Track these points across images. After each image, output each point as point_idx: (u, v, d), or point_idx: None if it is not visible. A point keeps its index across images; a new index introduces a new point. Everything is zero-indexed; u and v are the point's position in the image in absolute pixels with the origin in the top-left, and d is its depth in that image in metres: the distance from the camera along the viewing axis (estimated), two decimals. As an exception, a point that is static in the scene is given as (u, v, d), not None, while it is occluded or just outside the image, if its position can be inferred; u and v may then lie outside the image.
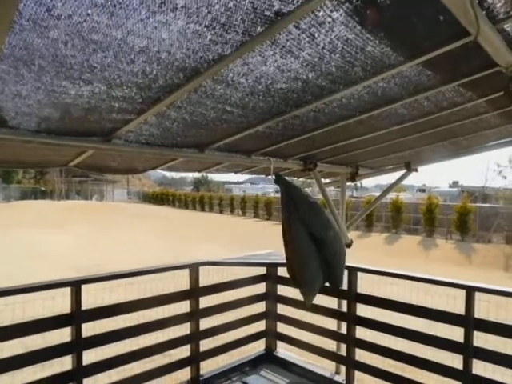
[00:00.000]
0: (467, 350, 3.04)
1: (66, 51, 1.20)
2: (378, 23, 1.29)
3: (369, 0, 1.13)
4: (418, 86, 1.96)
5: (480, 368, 3.09)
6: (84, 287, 2.95)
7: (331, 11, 1.16)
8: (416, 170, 3.97)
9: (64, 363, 2.94)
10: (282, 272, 4.38)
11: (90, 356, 3.00)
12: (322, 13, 1.16)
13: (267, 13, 1.12)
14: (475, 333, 3.05)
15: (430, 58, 1.57)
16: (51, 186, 48.46)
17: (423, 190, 39.63)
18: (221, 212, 37.08)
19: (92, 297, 3.78)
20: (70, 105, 1.63)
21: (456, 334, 3.13)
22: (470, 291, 3.07)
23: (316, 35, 1.28)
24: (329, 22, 1.22)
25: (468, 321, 3.05)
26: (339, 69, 1.57)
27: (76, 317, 2.88)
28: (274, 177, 2.63)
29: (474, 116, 2.61)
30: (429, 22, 1.33)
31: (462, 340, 3.08)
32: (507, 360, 2.92)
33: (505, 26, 1.41)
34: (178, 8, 1.03)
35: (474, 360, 3.05)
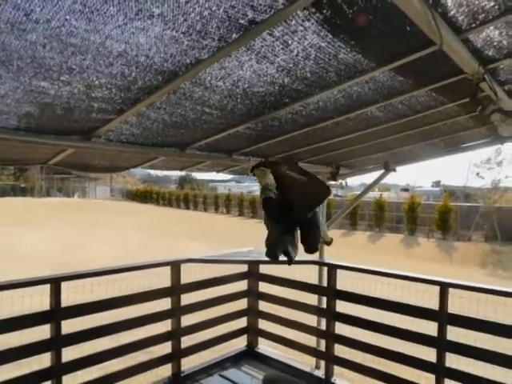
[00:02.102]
0: (441, 344, 3.16)
1: (44, 53, 1.22)
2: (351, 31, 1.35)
3: (338, 11, 1.19)
4: (392, 91, 2.03)
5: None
6: (63, 285, 2.95)
7: (303, 21, 1.21)
8: (394, 170, 4.07)
9: (42, 361, 2.94)
10: (264, 269, 4.46)
11: (68, 353, 3.01)
12: (294, 22, 1.21)
13: (241, 21, 1.17)
14: (448, 327, 3.17)
15: (401, 65, 1.65)
16: (31, 182, 47.52)
17: (407, 190, 40.27)
18: (205, 210, 37.00)
19: (72, 295, 3.77)
20: (50, 104, 1.64)
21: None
22: (444, 287, 3.19)
23: (289, 42, 1.34)
24: (301, 31, 1.27)
25: (442, 315, 3.17)
26: (314, 74, 1.63)
27: (55, 314, 2.89)
28: (250, 173, 2.69)
29: (447, 119, 2.71)
30: (396, 32, 1.40)
31: (435, 334, 3.19)
32: (478, 353, 3.05)
33: (469, 37, 1.49)
34: (154, 16, 1.07)
35: (448, 353, 3.17)
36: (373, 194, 23.95)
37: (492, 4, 1.26)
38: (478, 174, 21.89)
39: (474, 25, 1.40)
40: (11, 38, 1.10)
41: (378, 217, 23.29)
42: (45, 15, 1.01)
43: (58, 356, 2.89)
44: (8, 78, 1.35)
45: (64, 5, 0.98)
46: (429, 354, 3.25)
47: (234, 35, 1.25)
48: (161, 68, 1.43)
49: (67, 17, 1.03)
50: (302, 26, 1.24)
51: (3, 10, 0.97)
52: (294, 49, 1.38)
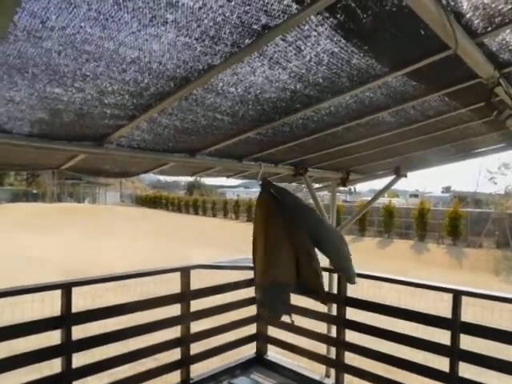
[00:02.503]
0: (454, 353, 3.10)
1: (59, 60, 1.23)
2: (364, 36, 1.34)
3: (352, 15, 1.18)
4: (404, 96, 2.01)
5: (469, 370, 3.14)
6: (74, 290, 2.96)
7: (316, 26, 1.20)
8: (405, 176, 4.03)
9: (53, 366, 2.95)
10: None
11: (79, 359, 3.01)
12: (307, 27, 1.21)
13: (254, 26, 1.16)
14: (462, 336, 3.11)
15: (414, 70, 1.63)
16: (43, 188, 48.11)
17: (416, 196, 39.94)
18: (214, 216, 37.04)
19: (82, 300, 3.78)
20: (63, 110, 1.66)
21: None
22: (457, 295, 3.13)
23: (302, 48, 1.33)
24: (314, 36, 1.26)
25: (455, 324, 3.11)
26: (326, 79, 1.62)
27: (66, 319, 2.89)
28: (259, 182, 2.68)
29: (459, 124, 2.68)
30: (410, 36, 1.38)
31: (448, 343, 3.13)
32: (492, 362, 2.98)
33: (484, 40, 1.47)
34: (168, 22, 1.08)
35: (461, 363, 3.11)
36: (382, 200, 23.77)
37: (509, 7, 1.24)
38: (491, 178, 21.54)
39: (489, 28, 1.38)
40: (27, 45, 1.12)
41: (387, 223, 23.08)
42: (60, 23, 1.02)
43: (68, 362, 2.88)
44: (23, 85, 1.37)
45: (79, 12, 0.99)
46: (440, 363, 3.19)
47: (247, 40, 1.24)
48: (173, 74, 1.43)
49: (82, 24, 1.04)
50: (315, 30, 1.23)
51: (20, 17, 0.98)
52: (307, 54, 1.38)
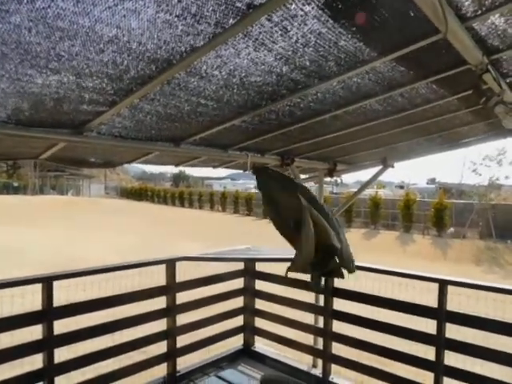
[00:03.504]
0: (439, 342, 3.13)
1: (30, 38, 1.15)
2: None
3: (340, -6, 1.13)
4: (392, 82, 1.98)
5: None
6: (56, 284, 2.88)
7: (303, 4, 1.15)
8: (392, 166, 4.03)
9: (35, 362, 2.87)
10: (261, 267, 4.41)
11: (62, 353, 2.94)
12: (293, 6, 1.15)
13: (239, 4, 1.10)
14: (447, 325, 3.14)
15: (403, 55, 1.59)
16: (24, 180, 47.12)
17: (402, 187, 40.43)
18: (200, 208, 36.91)
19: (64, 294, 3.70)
20: (38, 95, 1.57)
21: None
22: (442, 284, 3.16)
23: (289, 28, 1.28)
24: (301, 16, 1.21)
25: (440, 313, 3.14)
26: (313, 62, 1.58)
27: (47, 314, 2.81)
28: (250, 171, 2.62)
29: (446, 113, 2.67)
30: (400, 19, 1.34)
31: (434, 332, 3.16)
32: (477, 350, 3.02)
33: (473, 25, 1.44)
34: (146, -4, 1.01)
35: (446, 351, 3.14)
36: (368, 191, 23.99)
37: (500, -12, 1.21)
38: (474, 170, 21.90)
39: (479, 11, 1.35)
40: (-7, 20, 1.04)
41: (373, 214, 23.33)
42: (29, -6, 0.95)
43: (50, 357, 2.82)
44: (-8, 65, 1.28)
45: (49, -17, 0.91)
46: (427, 352, 3.22)
47: (231, 20, 1.19)
48: (154, 56, 1.36)
49: (53, -4, 0.97)
50: (301, 10, 1.18)
51: (-17, -13, 0.90)
52: (294, 35, 1.33)
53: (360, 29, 1.36)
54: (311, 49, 1.44)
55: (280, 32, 1.30)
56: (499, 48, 1.67)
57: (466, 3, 1.29)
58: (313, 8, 1.18)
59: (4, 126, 1.86)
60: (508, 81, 2.08)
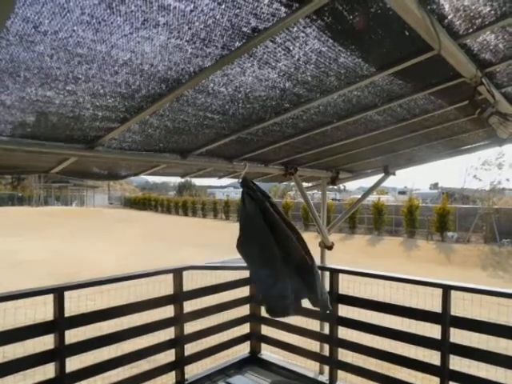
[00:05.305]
0: (444, 347, 3.16)
1: (51, 63, 1.24)
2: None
3: (339, 18, 1.21)
4: (391, 95, 2.06)
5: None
6: (67, 294, 2.95)
7: (304, 27, 1.24)
8: (394, 174, 4.10)
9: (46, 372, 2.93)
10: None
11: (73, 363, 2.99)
12: (295, 29, 1.24)
13: (244, 29, 1.19)
14: (452, 330, 3.17)
15: (400, 69, 1.67)
16: (29, 191, 47.39)
17: (404, 193, 40.37)
18: (204, 216, 36.96)
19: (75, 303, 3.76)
20: (54, 113, 1.66)
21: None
22: (447, 289, 3.19)
23: (291, 48, 1.36)
24: (302, 37, 1.30)
25: (445, 318, 3.17)
26: (314, 78, 1.66)
27: (59, 324, 2.87)
28: (240, 181, 2.69)
29: (446, 122, 2.74)
30: (395, 37, 1.42)
31: (439, 337, 3.19)
32: (481, 354, 3.05)
33: (466, 41, 1.52)
34: (160, 25, 1.10)
35: (452, 356, 3.17)
36: (371, 198, 24.02)
37: (488, 9, 1.29)
38: (475, 176, 21.87)
39: (471, 30, 1.43)
40: (19, 49, 1.12)
41: (376, 220, 23.32)
42: (53, 27, 1.03)
43: (62, 366, 2.87)
44: (15, 88, 1.37)
45: (72, 16, 1.00)
46: (432, 357, 3.25)
47: (237, 43, 1.27)
48: (164, 76, 1.45)
49: (75, 28, 1.05)
50: (303, 32, 1.27)
51: (13, 22, 0.99)
52: (296, 54, 1.41)
53: (358, 47, 1.44)
54: (312, 66, 1.52)
55: (283, 52, 1.38)
56: (492, 61, 1.74)
57: (458, 22, 1.37)
58: (313, 30, 1.27)
59: (20, 142, 1.95)
60: (503, 91, 2.16)
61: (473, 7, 1.27)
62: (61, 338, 2.88)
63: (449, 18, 1.32)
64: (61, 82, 1.37)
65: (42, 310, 3.51)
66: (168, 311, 3.65)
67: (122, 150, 2.33)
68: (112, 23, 1.05)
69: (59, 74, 1.32)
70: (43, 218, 30.10)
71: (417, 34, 1.31)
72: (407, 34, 1.36)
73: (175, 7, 1.03)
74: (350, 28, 1.30)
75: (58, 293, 2.89)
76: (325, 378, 3.90)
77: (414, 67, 1.65)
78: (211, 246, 17.66)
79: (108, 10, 1.00)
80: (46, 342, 2.93)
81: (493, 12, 1.33)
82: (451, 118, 2.68)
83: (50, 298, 2.89)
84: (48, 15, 0.97)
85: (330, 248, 4.18)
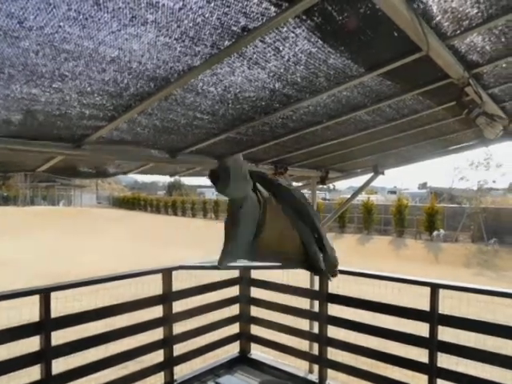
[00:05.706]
0: (432, 344, 3.19)
1: (36, 60, 1.21)
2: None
3: (328, 18, 1.21)
4: (380, 95, 2.07)
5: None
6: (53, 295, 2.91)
7: (294, 28, 1.23)
8: (383, 173, 4.13)
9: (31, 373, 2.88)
10: (255, 274, 4.45)
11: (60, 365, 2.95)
12: (285, 29, 1.24)
13: (234, 28, 1.18)
14: (440, 327, 3.21)
15: (389, 70, 1.68)
16: (15, 191, 46.62)
17: (394, 192, 40.80)
18: (193, 216, 36.81)
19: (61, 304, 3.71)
20: (40, 111, 1.63)
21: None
22: (434, 288, 3.23)
23: (281, 48, 1.36)
24: (292, 37, 1.29)
25: (433, 316, 3.20)
26: (304, 79, 1.66)
27: (45, 325, 2.83)
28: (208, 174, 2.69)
29: (434, 122, 2.77)
30: (384, 38, 1.43)
31: (427, 335, 3.23)
32: (468, 352, 3.09)
33: (453, 43, 1.54)
34: (148, 22, 1.08)
35: (439, 353, 3.21)
36: (360, 197, 24.21)
37: (475, 11, 1.30)
38: (461, 178, 22.19)
39: (458, 31, 1.45)
40: (3, 45, 1.10)
41: (366, 219, 23.51)
42: (38, 22, 1.01)
43: (48, 368, 2.82)
44: (-2, 85, 1.34)
45: (58, 12, 0.98)
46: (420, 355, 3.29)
47: (227, 42, 1.26)
48: (153, 74, 1.43)
49: (61, 23, 1.03)
50: (293, 32, 1.26)
51: (-4, 18, 0.96)
52: (285, 54, 1.41)
53: (348, 48, 1.45)
54: (302, 66, 1.52)
55: (273, 52, 1.38)
56: (479, 63, 1.77)
57: (445, 24, 1.39)
58: (303, 30, 1.27)
59: (5, 141, 1.91)
60: (489, 92, 2.19)
61: (460, 9, 1.28)
62: (47, 340, 2.83)
63: (437, 19, 1.33)
64: (47, 79, 1.34)
65: (27, 311, 3.45)
66: (157, 311, 3.62)
67: (110, 148, 2.30)
68: (99, 19, 1.04)
69: (45, 71, 1.29)
70: (29, 218, 29.67)
71: (405, 35, 1.32)
72: (396, 34, 1.37)
73: (164, 4, 1.02)
74: (339, 29, 1.30)
75: (45, 293, 2.85)
76: (314, 376, 3.92)
77: (403, 68, 1.66)
78: (201, 246, 17.62)
79: (95, 6, 0.98)
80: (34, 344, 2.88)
81: (480, 14, 1.34)
82: (439, 119, 2.70)
83: (36, 298, 2.85)
84: (33, 10, 0.95)
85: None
